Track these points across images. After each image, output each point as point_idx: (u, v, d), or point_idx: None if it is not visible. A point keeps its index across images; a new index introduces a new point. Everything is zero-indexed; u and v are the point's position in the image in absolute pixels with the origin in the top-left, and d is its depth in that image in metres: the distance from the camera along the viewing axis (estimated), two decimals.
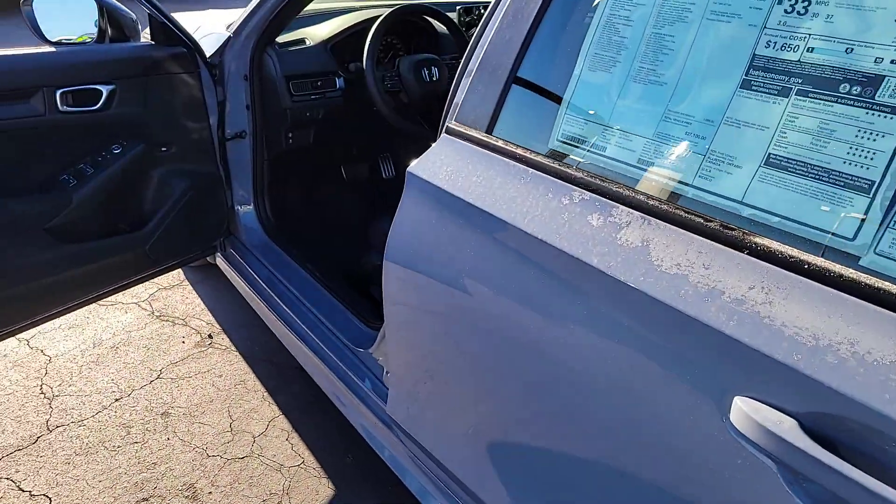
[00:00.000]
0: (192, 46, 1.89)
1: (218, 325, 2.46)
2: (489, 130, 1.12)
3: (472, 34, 1.32)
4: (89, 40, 1.81)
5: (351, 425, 1.70)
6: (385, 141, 2.79)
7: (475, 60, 1.16)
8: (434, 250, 1.14)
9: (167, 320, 2.48)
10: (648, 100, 0.91)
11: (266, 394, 2.12)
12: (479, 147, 1.12)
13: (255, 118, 2.15)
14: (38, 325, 1.78)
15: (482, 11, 2.42)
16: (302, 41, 2.17)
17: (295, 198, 2.58)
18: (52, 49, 1.63)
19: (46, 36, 1.77)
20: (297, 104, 2.09)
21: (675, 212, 0.83)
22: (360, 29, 2.22)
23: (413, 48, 2.36)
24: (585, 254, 0.88)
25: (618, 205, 0.89)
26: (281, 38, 2.11)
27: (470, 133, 1.14)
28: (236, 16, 2.31)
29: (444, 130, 1.21)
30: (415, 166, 1.20)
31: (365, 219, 2.65)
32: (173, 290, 2.66)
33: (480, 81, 1.14)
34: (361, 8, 2.46)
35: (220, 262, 2.38)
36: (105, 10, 1.79)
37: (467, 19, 2.40)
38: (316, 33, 2.21)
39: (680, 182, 0.85)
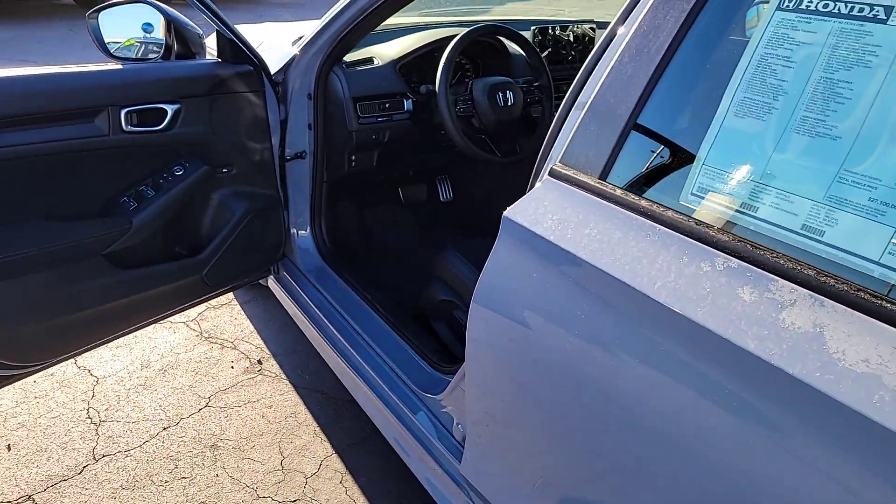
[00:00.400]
0: (259, 64, 1.81)
1: (267, 350, 2.38)
2: (604, 176, 1.00)
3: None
4: (136, 43, 1.75)
5: (411, 471, 1.58)
6: (443, 162, 2.69)
7: (586, 96, 1.04)
8: (536, 304, 1.02)
9: (216, 342, 2.40)
10: (817, 155, 0.77)
11: (318, 429, 2.02)
12: (592, 195, 0.99)
13: (317, 138, 2.06)
14: (93, 349, 1.71)
15: (557, 33, 2.30)
16: (370, 60, 2.08)
17: (352, 221, 2.49)
18: (118, 66, 1.55)
19: (111, 51, 1.71)
20: (363, 126, 2.00)
21: (857, 294, 0.69)
22: (431, 49, 2.11)
23: (483, 69, 2.25)
24: (737, 335, 0.75)
25: (777, 278, 0.76)
26: (348, 57, 2.02)
27: (580, 178, 1.01)
28: (297, 30, 2.24)
29: (546, 172, 1.09)
30: (513, 211, 1.08)
31: (425, 245, 2.54)
32: (222, 310, 2.58)
33: (594, 121, 1.02)
34: (429, 26, 2.36)
35: (272, 284, 2.30)
36: (172, 26, 1.72)
37: (541, 40, 2.27)
38: (384, 52, 2.11)
39: (862, 258, 0.71)
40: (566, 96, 1.09)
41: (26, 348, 1.49)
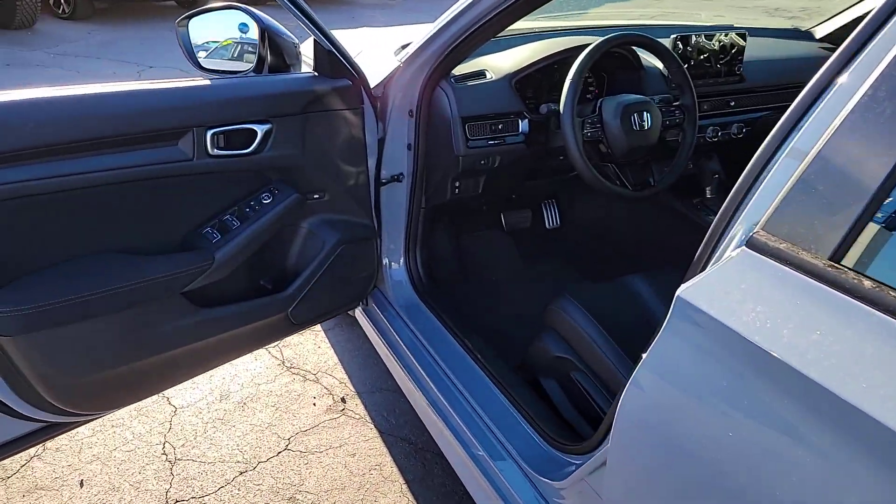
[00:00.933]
0: (359, 78, 1.61)
1: (351, 387, 2.18)
2: (837, 258, 0.71)
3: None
4: (232, 43, 1.57)
5: None
6: (552, 186, 2.42)
7: (806, 143, 0.76)
8: (731, 414, 0.75)
9: (298, 374, 2.23)
10: None
11: (405, 486, 1.80)
12: (821, 282, 0.71)
13: (417, 160, 1.84)
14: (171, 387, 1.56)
15: (701, 42, 1.98)
16: (482, 74, 1.84)
17: (449, 250, 2.26)
18: (205, 82, 1.38)
19: (201, 63, 1.54)
20: (472, 151, 1.76)
21: None
22: (553, 63, 1.85)
23: (610, 85, 1.96)
24: None
25: None
26: (458, 69, 1.79)
27: (799, 256, 0.73)
28: (398, 37, 2.03)
29: (739, 240, 0.82)
30: (693, 292, 0.81)
31: (529, 278, 2.28)
32: (305, 337, 2.42)
33: (822, 178, 0.74)
34: (542, 33, 2.09)
35: (359, 315, 2.10)
36: (266, 35, 1.54)
37: (682, 51, 1.96)
38: (498, 65, 1.87)
39: None
40: (768, 138, 0.81)
41: (90, 396, 1.34)
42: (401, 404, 2.10)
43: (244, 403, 2.08)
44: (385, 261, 1.97)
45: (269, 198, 1.51)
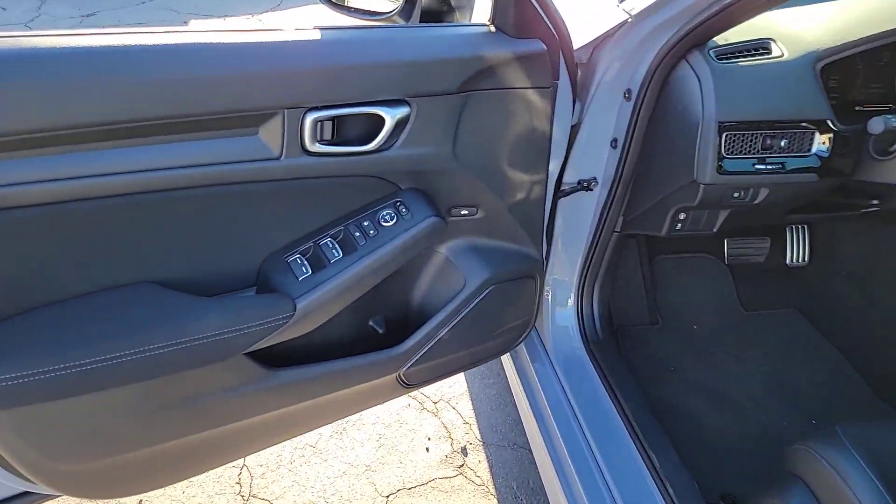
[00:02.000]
0: (558, 38, 1.01)
1: (476, 433, 1.69)
2: None
3: None
4: None
5: None
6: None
7: None
8: None
9: (416, 397, 1.77)
10: None
11: None
12: None
13: (623, 164, 1.22)
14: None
15: None
16: (764, 46, 1.13)
17: (638, 287, 1.64)
18: (294, 33, 0.85)
19: None
20: (724, 178, 1.10)
21: None
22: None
23: None
24: None
25: None
26: (721, 37, 1.11)
27: None
28: None
29: None
30: None
31: (753, 347, 1.60)
32: None
33: None
34: None
35: (504, 357, 1.57)
36: None
37: None
38: (797, 33, 1.15)
39: None
40: None
41: (92, 483, 0.94)
42: (535, 477, 1.58)
43: (343, 431, 1.66)
44: (548, 297, 1.41)
45: (393, 218, 0.99)
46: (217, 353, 0.87)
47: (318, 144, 0.88)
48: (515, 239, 1.18)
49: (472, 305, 1.15)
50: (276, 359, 0.99)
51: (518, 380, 1.49)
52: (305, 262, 0.95)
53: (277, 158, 0.86)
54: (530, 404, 1.43)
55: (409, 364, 1.14)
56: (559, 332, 1.43)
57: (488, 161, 1.06)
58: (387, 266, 0.99)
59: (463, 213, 1.10)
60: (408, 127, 0.94)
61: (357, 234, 0.97)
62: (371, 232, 0.97)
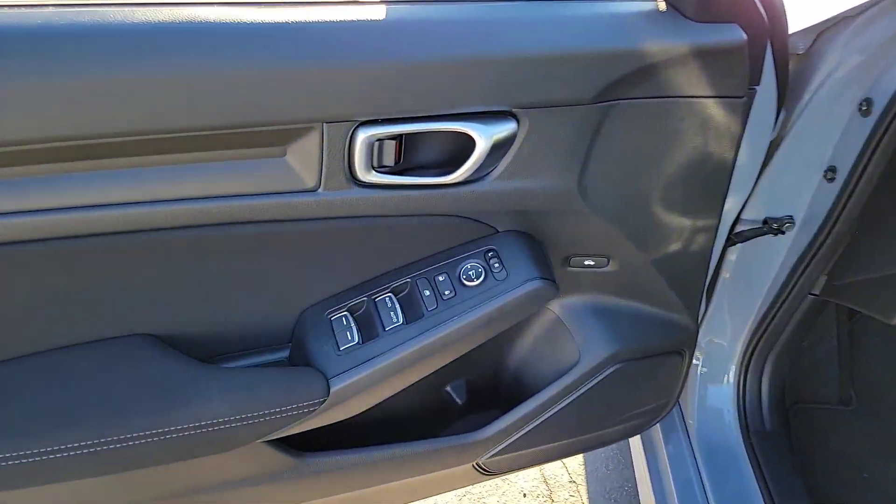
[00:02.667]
0: (771, 20, 0.64)
1: (584, 499, 1.38)
2: None
3: None
4: None
5: None
6: None
7: None
8: None
9: None
10: None
11: None
12: None
13: (843, 206, 0.83)
14: None
15: None
16: None
17: (829, 360, 1.20)
18: (366, 12, 0.57)
19: None
20: None
21: None
22: None
23: None
24: None
25: None
26: None
27: None
28: None
29: None
30: None
31: None
32: None
33: None
34: None
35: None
36: None
37: None
38: None
39: None
40: None
41: None
42: None
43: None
44: (698, 367, 1.05)
45: (481, 275, 0.70)
46: (217, 446, 0.65)
47: (374, 173, 0.61)
48: (660, 301, 0.84)
49: (588, 387, 0.84)
50: (307, 438, 0.75)
51: (644, 458, 1.16)
52: (352, 325, 0.69)
53: (313, 191, 0.60)
54: (655, 494, 1.11)
55: (493, 451, 0.86)
56: (709, 413, 1.08)
57: (633, 200, 0.73)
58: (464, 343, 0.70)
59: (587, 263, 0.78)
60: (512, 151, 0.64)
61: (427, 292, 0.69)
62: (447, 292, 0.69)
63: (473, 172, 0.64)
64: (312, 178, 0.60)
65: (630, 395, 0.89)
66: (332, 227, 0.65)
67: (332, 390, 0.66)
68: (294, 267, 0.67)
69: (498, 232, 0.72)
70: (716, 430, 1.08)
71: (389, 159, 0.61)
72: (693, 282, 0.84)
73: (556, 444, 0.91)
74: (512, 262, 0.70)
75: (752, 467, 1.04)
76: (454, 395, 0.89)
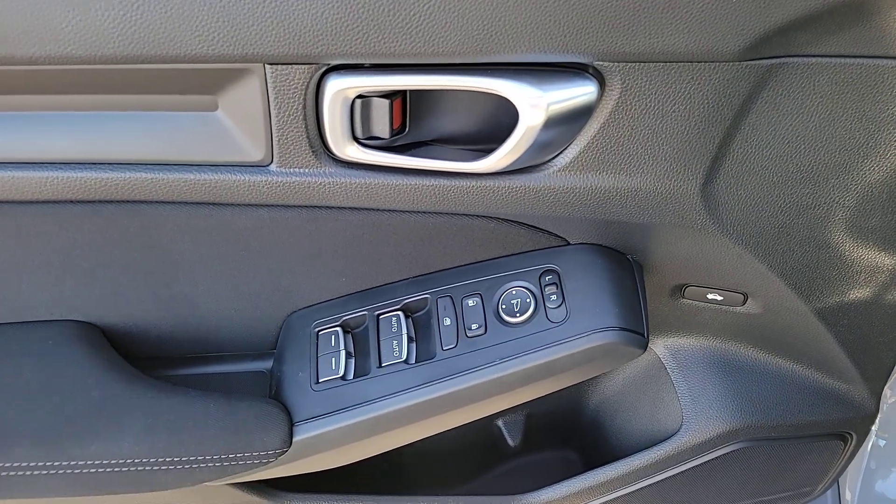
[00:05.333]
0: None
1: None
2: None
3: None
4: None
5: None
6: None
7: None
8: None
9: None
10: None
11: None
12: None
13: None
14: None
15: None
16: None
17: None
18: None
19: None
20: None
21: None
22: None
23: None
24: None
25: None
26: None
27: None
28: None
29: None
30: None
31: None
32: None
33: None
34: None
35: None
36: None
37: None
38: None
39: None
40: None
41: None
42: None
43: None
44: (875, 449, 0.74)
45: (528, 308, 0.46)
46: (136, 486, 0.49)
47: (358, 148, 0.39)
48: (823, 365, 0.56)
49: (692, 465, 0.59)
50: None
51: None
52: (341, 348, 0.50)
53: (263, 166, 0.40)
54: None
55: None
56: None
57: (795, 220, 0.45)
58: (490, 403, 0.48)
59: (712, 297, 0.52)
60: (591, 128, 0.39)
61: (447, 321, 0.48)
62: (474, 326, 0.47)
63: (521, 158, 0.39)
64: (259, 146, 0.39)
65: (757, 481, 0.62)
66: (308, 217, 0.44)
67: (295, 439, 0.48)
68: (273, 259, 0.48)
69: (568, 244, 0.48)
70: None
71: (381, 127, 0.39)
72: (882, 346, 0.54)
73: None
74: (579, 295, 0.46)
75: None
76: (505, 432, 0.67)
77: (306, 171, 0.40)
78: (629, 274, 0.48)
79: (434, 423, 0.49)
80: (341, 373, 0.49)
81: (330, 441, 0.48)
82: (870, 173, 0.42)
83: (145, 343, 0.53)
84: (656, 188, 0.42)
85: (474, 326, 0.47)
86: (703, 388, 0.57)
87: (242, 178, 0.40)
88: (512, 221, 0.46)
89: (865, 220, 0.45)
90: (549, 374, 0.46)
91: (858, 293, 0.49)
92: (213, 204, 0.43)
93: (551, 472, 0.70)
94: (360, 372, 0.49)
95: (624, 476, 0.60)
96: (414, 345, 0.48)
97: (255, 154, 0.39)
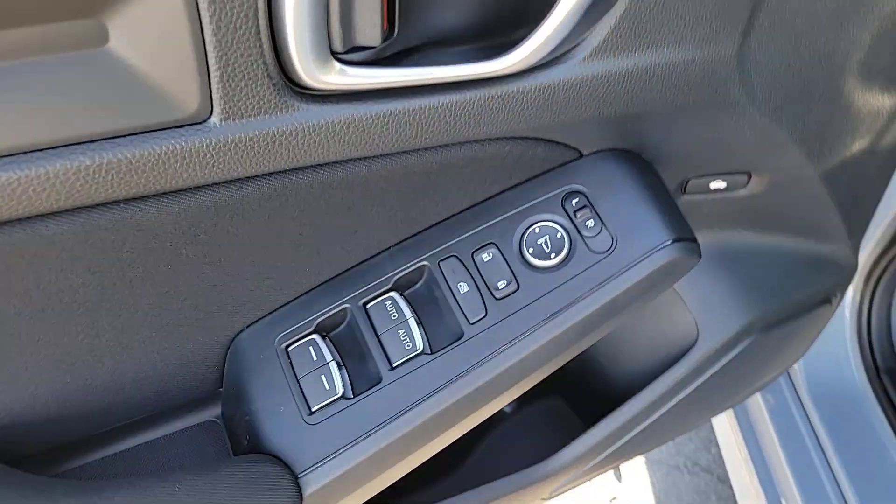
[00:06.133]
0: None
1: None
2: None
3: None
4: None
5: None
6: None
7: None
8: None
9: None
10: None
11: None
12: None
13: None
14: None
15: None
16: None
17: None
18: None
19: None
20: None
21: None
22: None
23: None
24: None
25: None
26: None
27: None
28: None
29: None
30: None
31: None
32: None
33: None
34: None
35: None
36: None
37: None
38: None
39: None
40: None
41: None
42: None
43: None
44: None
45: (563, 246, 0.37)
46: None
47: (339, 67, 0.27)
48: (812, 230, 0.54)
49: (707, 375, 0.54)
50: None
51: (730, 414, 0.90)
52: (327, 356, 0.37)
53: (199, 121, 0.26)
54: (751, 454, 0.86)
55: (564, 481, 0.57)
56: (822, 353, 0.80)
57: (817, 64, 0.39)
58: (544, 370, 0.39)
59: (715, 186, 0.46)
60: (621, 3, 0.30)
61: (464, 285, 0.37)
62: (502, 284, 0.37)
63: (560, 44, 0.30)
64: (188, 91, 0.25)
65: (757, 371, 0.60)
66: (262, 193, 0.31)
67: (306, 496, 0.35)
68: (206, 263, 0.34)
69: (580, 157, 0.39)
70: (829, 372, 0.81)
71: (370, 31, 0.26)
72: (868, 197, 0.52)
73: (649, 444, 0.63)
74: (619, 214, 0.37)
75: (885, 412, 0.78)
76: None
77: (266, 119, 0.27)
78: (656, 177, 0.40)
79: (477, 415, 0.39)
80: (339, 391, 0.37)
81: (352, 481, 0.36)
82: (886, 3, 0.38)
83: (32, 431, 0.36)
84: (693, 58, 0.34)
85: (501, 284, 0.37)
86: (712, 289, 0.52)
87: (164, 147, 0.26)
88: (519, 139, 0.36)
89: (876, 58, 0.41)
90: (608, 316, 0.37)
91: (859, 144, 0.47)
92: (118, 203, 0.28)
93: (544, 425, 0.63)
94: (366, 381, 0.37)
95: (645, 409, 0.54)
96: (422, 327, 0.37)
97: (184, 105, 0.25)
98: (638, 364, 0.55)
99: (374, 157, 0.31)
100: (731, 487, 1.09)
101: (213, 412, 0.42)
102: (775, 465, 0.85)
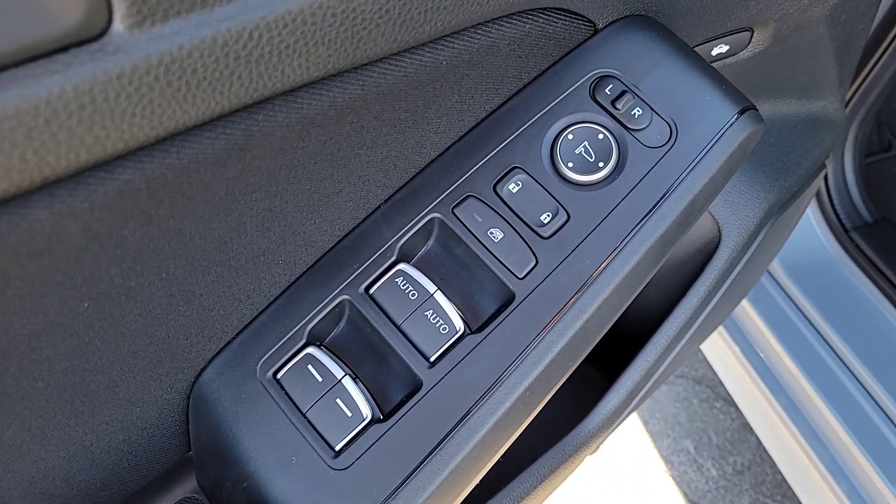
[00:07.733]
0: None
1: None
2: None
3: None
4: None
5: None
6: None
7: None
8: None
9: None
10: None
11: None
12: None
13: None
14: None
15: None
16: None
17: None
18: None
19: None
20: None
21: None
22: None
23: None
24: None
25: None
26: None
27: None
28: None
29: None
30: None
31: None
32: None
33: None
34: None
35: None
36: None
37: None
38: None
39: None
40: None
41: None
42: (729, 427, 1.05)
43: None
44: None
45: (606, 144, 0.28)
46: None
47: None
48: (807, 86, 0.48)
49: (734, 276, 0.48)
50: None
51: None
52: (342, 372, 0.27)
53: (95, 37, 0.14)
54: (737, 342, 0.84)
55: (610, 430, 0.51)
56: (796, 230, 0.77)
57: None
58: (619, 310, 0.31)
59: (717, 52, 0.39)
60: None
61: (496, 234, 0.28)
62: (546, 218, 0.28)
63: None
64: None
65: (770, 255, 0.56)
66: (217, 148, 0.20)
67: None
68: (122, 288, 0.22)
69: (595, 33, 0.30)
70: (799, 242, 0.79)
71: None
72: (860, 31, 0.47)
73: (672, 370, 0.57)
74: (667, 93, 0.29)
75: (865, 274, 0.77)
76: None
77: (206, 15, 0.16)
78: (685, 43, 0.32)
79: (554, 388, 0.30)
80: (366, 414, 0.27)
81: None
82: None
83: None
84: None
85: (545, 218, 0.28)
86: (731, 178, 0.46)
87: (36, 97, 0.14)
88: (525, 13, 0.26)
89: None
90: (687, 221, 0.29)
91: None
92: None
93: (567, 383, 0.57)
94: (399, 391, 0.27)
95: (677, 334, 0.48)
96: (451, 301, 0.28)
97: (63, 11, 0.14)
98: (660, 285, 0.49)
99: (373, 63, 0.21)
100: (708, 387, 1.09)
101: (186, 488, 0.31)
102: (753, 331, 0.82)
